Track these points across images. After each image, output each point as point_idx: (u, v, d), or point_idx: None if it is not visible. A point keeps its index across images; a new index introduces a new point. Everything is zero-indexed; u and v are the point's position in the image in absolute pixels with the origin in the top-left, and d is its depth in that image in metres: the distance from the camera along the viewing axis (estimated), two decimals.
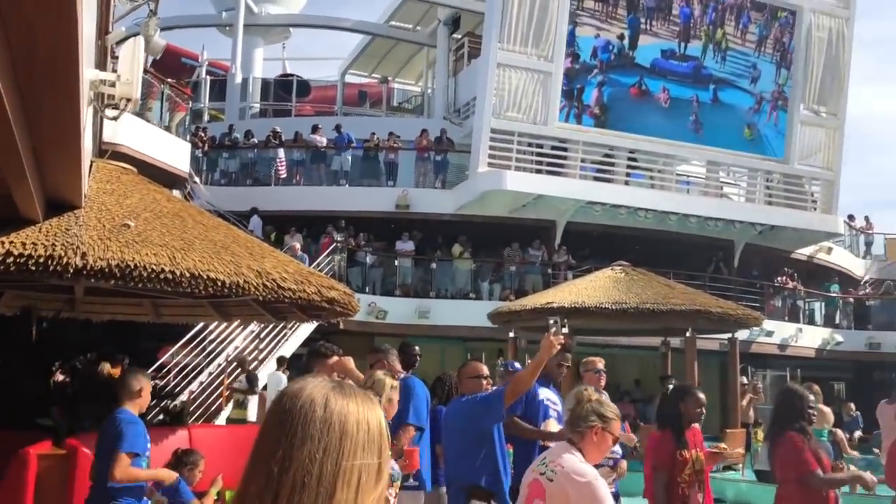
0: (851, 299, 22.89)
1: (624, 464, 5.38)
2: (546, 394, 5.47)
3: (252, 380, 11.47)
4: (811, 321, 21.52)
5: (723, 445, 5.37)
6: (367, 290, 17.55)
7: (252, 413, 11.53)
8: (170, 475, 4.93)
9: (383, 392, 4.16)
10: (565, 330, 4.74)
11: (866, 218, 26.47)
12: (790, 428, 4.51)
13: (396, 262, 18.53)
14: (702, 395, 5.14)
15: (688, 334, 12.26)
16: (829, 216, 21.42)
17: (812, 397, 4.91)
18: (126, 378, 4.79)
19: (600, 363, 6.34)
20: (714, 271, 19.95)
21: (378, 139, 20.19)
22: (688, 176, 21.92)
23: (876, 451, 10.50)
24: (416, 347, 6.17)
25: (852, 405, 15.34)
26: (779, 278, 21.20)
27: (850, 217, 25.54)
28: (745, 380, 13.87)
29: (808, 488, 4.39)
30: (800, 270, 21.95)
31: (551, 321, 4.74)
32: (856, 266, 24.62)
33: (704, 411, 5.08)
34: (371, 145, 20.17)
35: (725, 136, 20.71)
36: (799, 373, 21.15)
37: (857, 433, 13.16)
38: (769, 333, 18.92)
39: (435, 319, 17.12)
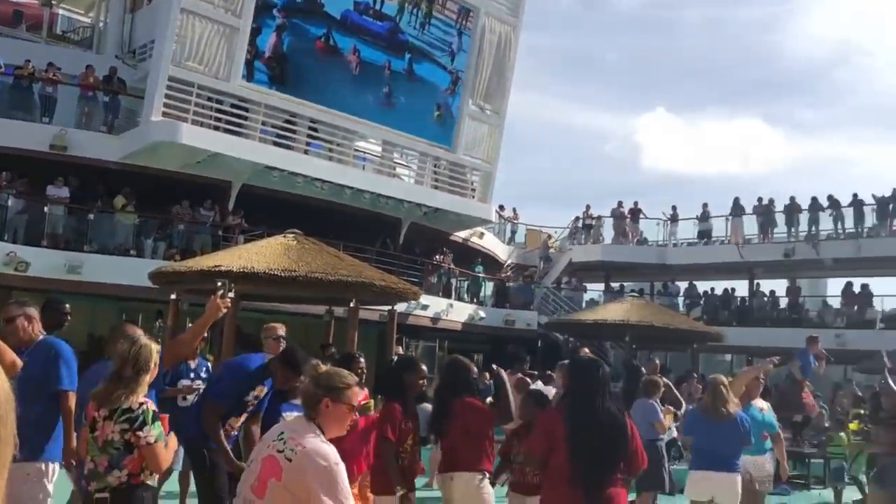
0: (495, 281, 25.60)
1: None
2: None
3: None
4: (461, 298, 23.59)
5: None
6: (5, 237, 15.55)
7: None
8: None
9: (151, 360, 3.74)
10: (231, 294, 4.68)
11: (514, 209, 29.84)
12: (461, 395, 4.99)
13: (46, 209, 16.64)
14: (424, 367, 5.37)
15: (352, 304, 12.70)
16: (485, 204, 23.61)
17: (475, 369, 5.44)
18: None
19: (281, 329, 6.32)
20: (381, 246, 20.88)
21: (34, 68, 17.86)
22: (365, 152, 22.58)
23: None
24: (66, 305, 5.57)
25: (487, 374, 17.17)
26: (437, 257, 22.88)
27: (501, 207, 28.48)
28: (400, 350, 14.84)
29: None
30: (455, 251, 23.89)
31: (219, 284, 4.65)
32: (501, 251, 27.54)
33: (426, 383, 5.33)
34: (24, 73, 17.79)
35: (415, 114, 21.14)
36: (447, 344, 23.16)
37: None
38: (424, 307, 20.24)
39: (87, 275, 15.66)
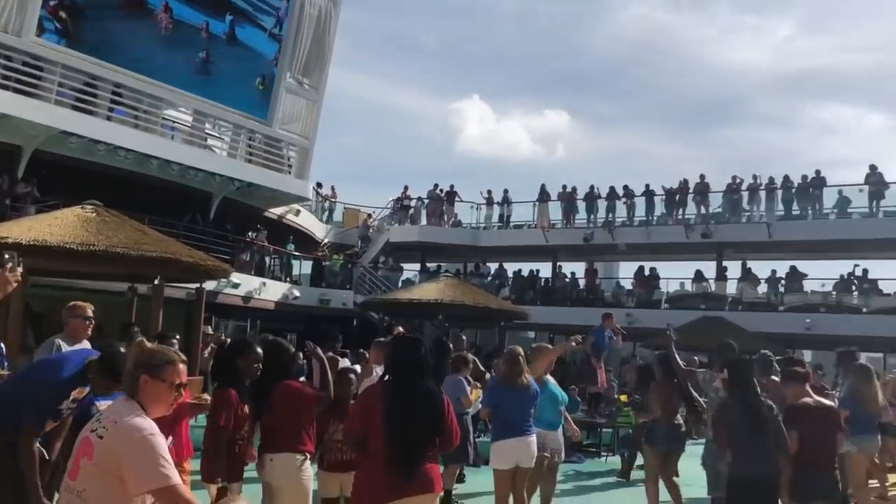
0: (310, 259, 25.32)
1: None
2: None
3: None
4: (275, 276, 23.13)
5: (205, 396, 5.37)
6: None
7: None
8: None
9: None
10: (20, 269, 4.30)
11: (332, 188, 29.62)
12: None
13: None
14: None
15: (156, 282, 12.10)
16: (302, 181, 23.23)
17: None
18: None
19: (90, 309, 5.85)
20: (190, 221, 19.96)
21: None
22: (174, 121, 21.40)
23: None
24: None
25: (301, 354, 17.00)
26: (250, 234, 22.25)
27: (319, 184, 28.19)
28: (209, 329, 14.29)
29: None
30: (270, 228, 23.34)
31: (6, 256, 4.25)
32: (318, 229, 27.26)
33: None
34: None
35: (233, 84, 20.22)
36: (259, 323, 22.63)
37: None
38: (236, 285, 19.70)
39: None
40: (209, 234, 19.79)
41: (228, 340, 8.27)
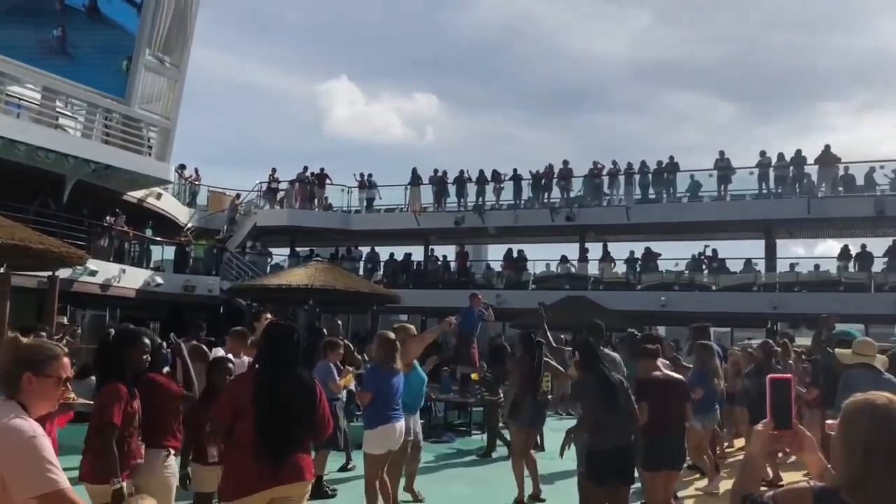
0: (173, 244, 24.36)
1: None
2: None
3: None
4: (136, 262, 22.12)
5: (70, 395, 5.02)
6: None
7: None
8: None
9: None
10: None
11: (196, 170, 28.53)
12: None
13: None
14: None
15: (2, 270, 11.34)
16: (163, 163, 22.22)
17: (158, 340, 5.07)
18: None
19: None
20: (41, 205, 18.74)
21: None
22: (20, 98, 19.92)
23: None
24: None
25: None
26: (108, 218, 21.16)
27: (182, 167, 27.11)
28: (64, 319, 13.54)
29: None
30: (129, 212, 22.28)
31: None
32: (181, 213, 26.22)
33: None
34: None
35: (91, 60, 19.02)
36: (119, 312, 21.61)
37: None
38: (93, 273, 18.76)
39: None
40: (62, 218, 18.70)
41: (80, 331, 7.85)
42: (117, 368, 4.64)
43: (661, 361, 7.63)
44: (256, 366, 4.57)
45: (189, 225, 26.62)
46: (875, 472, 1.88)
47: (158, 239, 23.75)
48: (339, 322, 14.78)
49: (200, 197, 28.61)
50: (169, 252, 24.57)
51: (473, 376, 13.27)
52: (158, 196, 23.86)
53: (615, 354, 7.86)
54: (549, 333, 9.07)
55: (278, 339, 4.55)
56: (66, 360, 2.90)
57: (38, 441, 2.62)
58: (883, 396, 2.00)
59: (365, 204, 28.29)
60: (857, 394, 2.07)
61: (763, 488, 2.14)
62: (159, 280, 21.90)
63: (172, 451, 4.96)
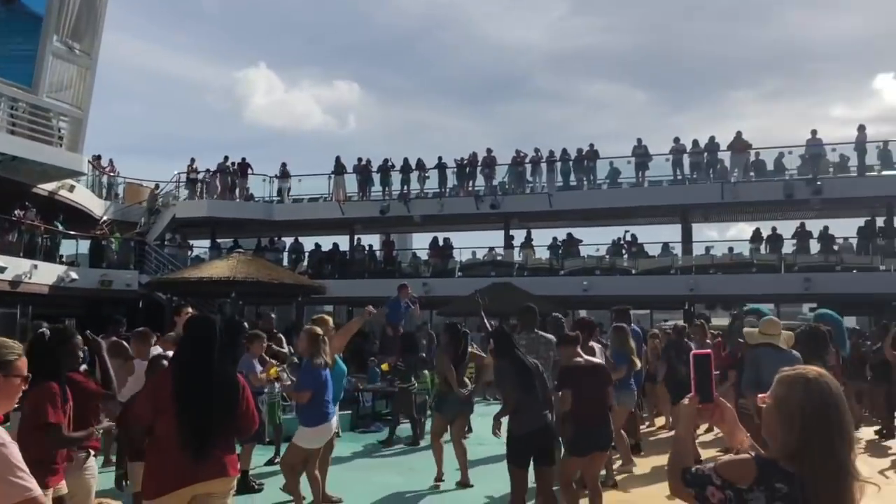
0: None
1: None
2: None
3: None
4: (49, 257, 21.29)
5: None
6: None
7: None
8: None
9: None
10: None
11: (111, 161, 27.56)
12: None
13: None
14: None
15: None
16: (75, 154, 21.39)
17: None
18: None
19: None
20: None
21: None
22: None
23: None
24: None
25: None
26: (17, 212, 20.28)
27: (97, 158, 26.15)
28: None
29: None
30: (40, 205, 21.41)
31: None
32: (96, 206, 25.32)
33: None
34: None
35: (13, 60, 18.33)
36: (31, 309, 20.77)
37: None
38: (1, 269, 18.03)
39: None
40: None
41: None
42: (51, 367, 4.46)
43: (595, 345, 7.92)
44: (175, 361, 4.49)
45: (105, 218, 25.74)
46: (811, 442, 1.99)
47: (72, 232, 22.89)
48: (273, 315, 14.61)
49: (117, 189, 27.67)
50: (84, 246, 23.71)
51: (384, 366, 13.32)
52: (71, 188, 22.98)
53: (551, 336, 8.00)
54: (486, 320, 9.20)
55: (197, 332, 4.47)
56: (24, 358, 2.88)
57: (7, 449, 2.51)
58: (812, 370, 2.12)
59: (279, 193, 27.82)
60: (785, 369, 2.18)
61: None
62: (74, 275, 21.15)
63: (92, 452, 4.84)
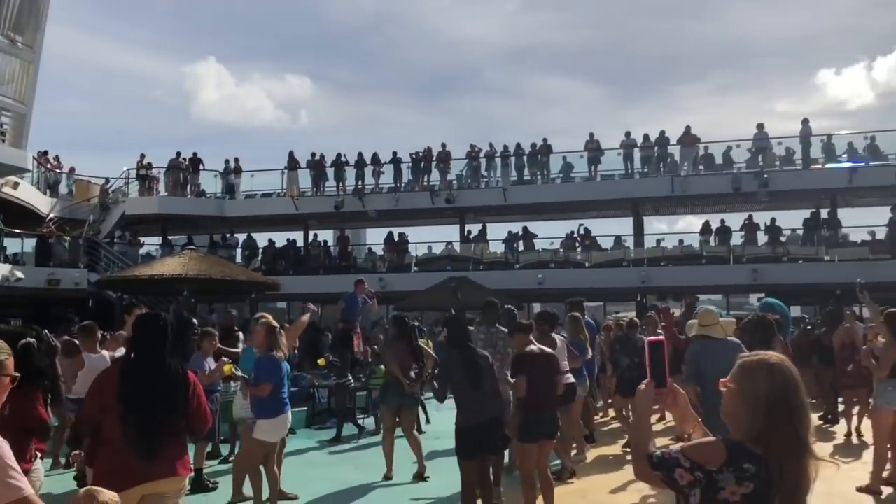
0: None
1: None
2: None
3: None
4: None
5: None
6: None
7: None
8: None
9: None
10: None
11: (57, 157, 26.87)
12: None
13: None
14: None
15: None
16: (19, 150, 20.87)
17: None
18: None
19: None
20: None
21: None
22: None
23: None
24: None
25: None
26: None
27: (44, 153, 25.49)
28: None
29: None
30: None
31: None
32: (42, 203, 24.70)
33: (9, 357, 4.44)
34: None
35: None
36: None
37: None
38: None
39: None
40: None
41: None
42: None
43: (557, 337, 8.06)
44: (123, 360, 4.43)
45: (51, 215, 25.11)
46: (776, 425, 2.09)
47: (17, 231, 22.30)
48: (235, 312, 14.45)
49: (65, 185, 27.00)
50: (29, 244, 23.10)
51: (320, 361, 13.30)
52: (15, 185, 22.36)
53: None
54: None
55: (145, 331, 4.40)
56: (11, 359, 2.89)
57: (4, 447, 2.52)
58: (774, 356, 2.21)
59: (230, 191, 27.45)
60: (743, 355, 2.27)
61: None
62: (19, 274, 20.60)
63: (39, 455, 4.74)
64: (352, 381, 11.94)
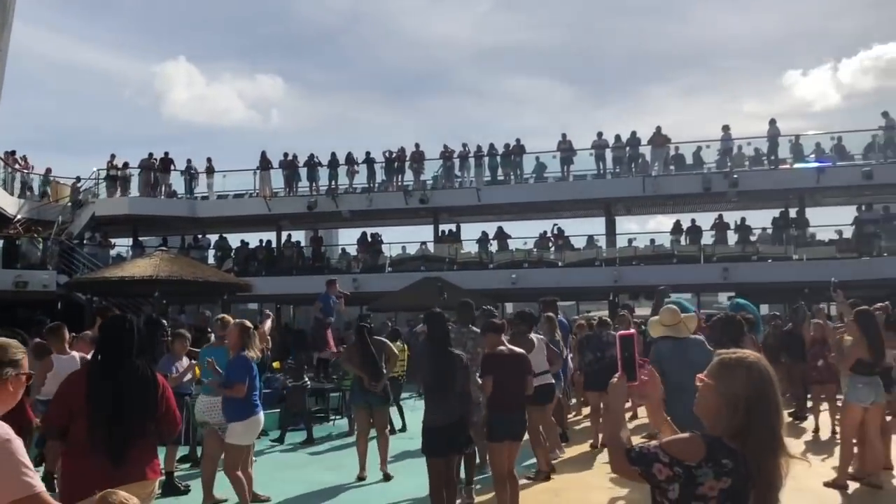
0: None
1: None
2: None
3: None
4: None
5: None
6: None
7: None
8: None
9: None
10: None
11: (24, 157, 26.45)
12: None
13: None
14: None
15: None
16: None
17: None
18: None
19: None
20: None
21: None
22: None
23: None
24: None
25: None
26: None
27: (9, 153, 25.09)
28: None
29: None
30: None
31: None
32: (9, 204, 24.31)
33: None
34: None
35: None
36: None
37: None
38: None
39: None
40: None
41: None
42: None
43: (535, 337, 8.13)
44: (90, 362, 4.37)
45: (18, 216, 24.71)
46: (753, 423, 2.13)
47: None
48: (209, 313, 14.32)
49: (35, 186, 26.56)
50: None
51: (275, 364, 13.28)
52: None
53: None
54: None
55: (112, 333, 4.34)
56: (26, 357, 2.91)
57: (12, 445, 2.52)
58: (751, 354, 2.26)
59: (188, 190, 27.20)
60: (720, 352, 2.30)
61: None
62: None
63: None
64: (308, 382, 11.88)
